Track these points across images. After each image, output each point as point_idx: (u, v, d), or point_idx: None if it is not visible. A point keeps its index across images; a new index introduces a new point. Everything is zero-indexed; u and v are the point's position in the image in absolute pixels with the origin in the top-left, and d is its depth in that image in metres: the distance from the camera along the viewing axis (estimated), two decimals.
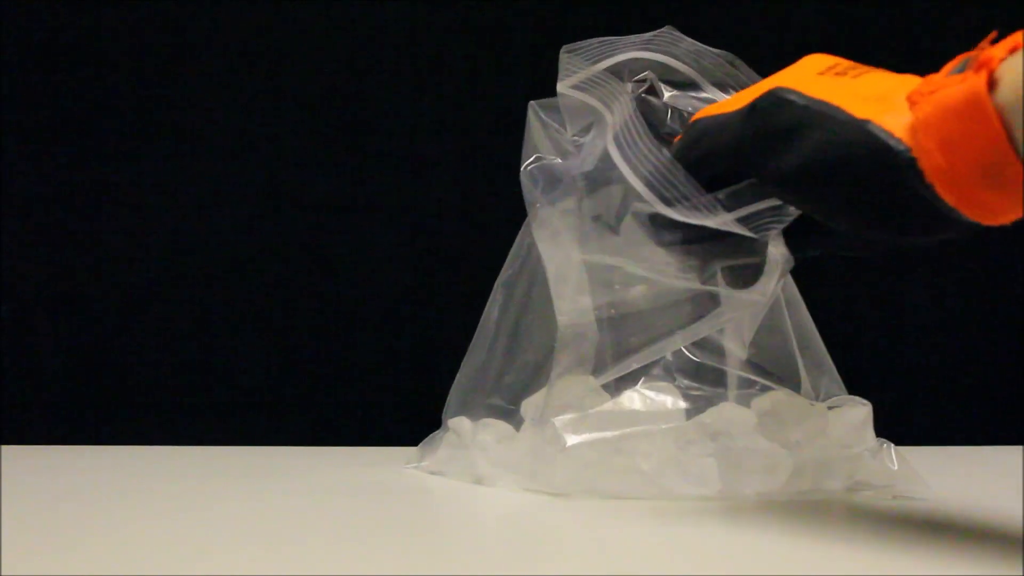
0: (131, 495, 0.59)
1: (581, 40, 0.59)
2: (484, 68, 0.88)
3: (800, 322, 0.61)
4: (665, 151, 0.53)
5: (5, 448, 0.74)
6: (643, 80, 0.58)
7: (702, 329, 0.57)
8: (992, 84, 0.41)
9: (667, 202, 0.52)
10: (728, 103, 0.51)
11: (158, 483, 0.64)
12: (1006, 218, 0.43)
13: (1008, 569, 0.42)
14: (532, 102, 0.61)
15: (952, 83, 0.42)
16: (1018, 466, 0.70)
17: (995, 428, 0.88)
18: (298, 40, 0.87)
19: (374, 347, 0.87)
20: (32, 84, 0.86)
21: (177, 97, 0.87)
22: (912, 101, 0.43)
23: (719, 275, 0.55)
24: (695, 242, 0.53)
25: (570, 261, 0.58)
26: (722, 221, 0.51)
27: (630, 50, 0.59)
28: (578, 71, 0.58)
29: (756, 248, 0.53)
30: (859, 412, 0.60)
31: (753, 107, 0.49)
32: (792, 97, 0.47)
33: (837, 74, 0.48)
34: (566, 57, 0.58)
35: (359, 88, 0.87)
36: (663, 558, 0.46)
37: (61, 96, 0.86)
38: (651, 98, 0.58)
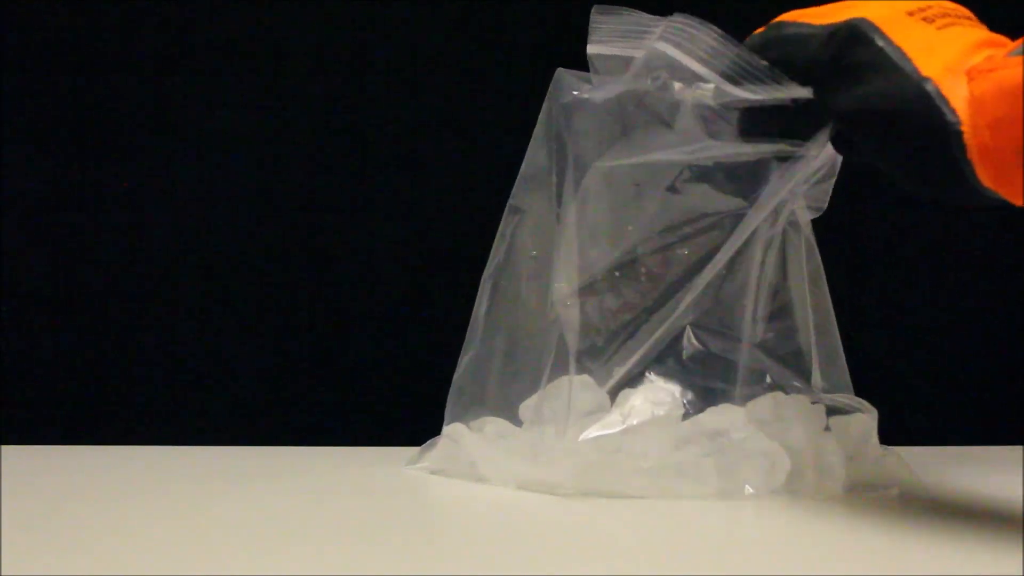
0: (131, 495, 0.59)
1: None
2: (484, 68, 0.88)
3: (820, 304, 0.61)
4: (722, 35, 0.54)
5: (5, 448, 0.74)
6: (657, 77, 0.58)
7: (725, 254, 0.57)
8: None
9: (731, 79, 0.52)
10: (815, 13, 0.51)
11: (158, 483, 0.64)
12: None
13: (1008, 569, 0.42)
14: (560, 69, 0.60)
15: (1011, 64, 0.43)
16: (1018, 466, 0.70)
17: (995, 428, 0.88)
18: (298, 40, 0.87)
19: (374, 347, 0.87)
20: (32, 84, 0.86)
21: (177, 97, 0.87)
22: (971, 76, 0.44)
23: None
24: (751, 132, 0.54)
25: (577, 222, 0.58)
26: (789, 92, 0.51)
27: (652, 41, 0.58)
28: (609, 38, 0.57)
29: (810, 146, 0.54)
30: (864, 419, 0.59)
31: (834, 33, 0.49)
32: (873, 36, 0.47)
33: (925, 19, 0.48)
34: (598, 19, 0.58)
35: (359, 88, 0.87)
36: (663, 558, 0.46)
37: (61, 96, 0.86)
38: (662, 93, 0.58)
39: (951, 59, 0.46)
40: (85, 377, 0.86)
